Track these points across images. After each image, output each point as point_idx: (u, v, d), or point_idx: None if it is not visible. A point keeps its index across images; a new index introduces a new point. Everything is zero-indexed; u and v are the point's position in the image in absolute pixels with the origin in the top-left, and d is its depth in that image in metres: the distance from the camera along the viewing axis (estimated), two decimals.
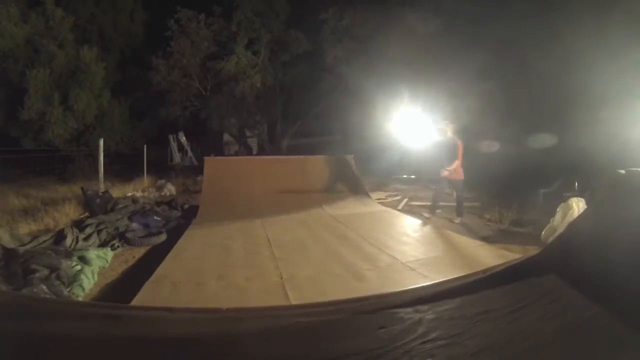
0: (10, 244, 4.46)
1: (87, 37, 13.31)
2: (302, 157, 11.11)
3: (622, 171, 1.33)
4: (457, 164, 6.83)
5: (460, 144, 6.87)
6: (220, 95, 14.53)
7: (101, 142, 8.91)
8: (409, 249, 5.14)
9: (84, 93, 10.97)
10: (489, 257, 4.76)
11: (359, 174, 9.94)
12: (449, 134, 7.02)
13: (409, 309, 1.15)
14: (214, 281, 3.98)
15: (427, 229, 6.37)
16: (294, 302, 3.40)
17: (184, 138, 15.11)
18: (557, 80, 9.37)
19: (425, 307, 1.16)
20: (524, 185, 8.52)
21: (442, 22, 11.09)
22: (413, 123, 11.37)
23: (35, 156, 8.99)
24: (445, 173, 6.90)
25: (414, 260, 4.58)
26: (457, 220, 6.90)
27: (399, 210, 8.27)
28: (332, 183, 9.40)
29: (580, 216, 1.58)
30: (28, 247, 4.52)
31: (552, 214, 5.65)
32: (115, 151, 13.08)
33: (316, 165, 9.72)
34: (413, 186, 11.11)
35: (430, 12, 11.38)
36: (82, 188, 7.53)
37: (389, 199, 9.60)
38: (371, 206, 8.45)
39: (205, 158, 10.21)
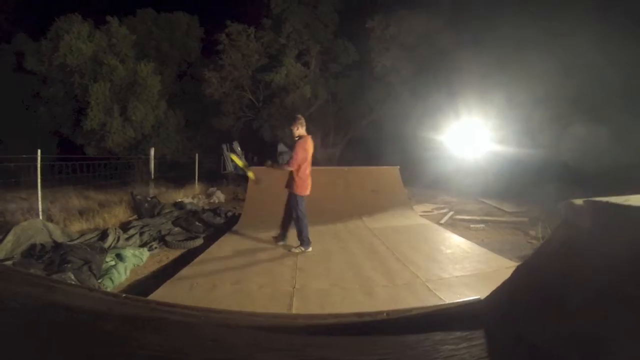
0: (60, 238, 5.00)
1: (145, 53, 14.24)
2: (345, 168, 11.06)
3: (579, 201, 1.02)
4: (286, 168, 5.38)
5: (300, 143, 5.23)
6: (272, 106, 14.88)
7: (152, 151, 9.55)
8: (435, 266, 4.93)
9: (141, 105, 11.84)
10: None
11: (403, 185, 9.77)
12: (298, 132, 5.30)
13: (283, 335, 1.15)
14: (229, 285, 4.16)
15: (462, 245, 6.02)
16: (295, 311, 3.46)
17: (238, 148, 15.71)
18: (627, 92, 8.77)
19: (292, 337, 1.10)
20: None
21: (492, 28, 10.69)
22: (464, 133, 11.16)
23: (99, 162, 9.78)
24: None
25: (436, 280, 4.42)
26: (297, 250, 5.47)
27: (440, 224, 8.03)
28: (376, 194, 9.12)
29: (530, 258, 1.21)
30: (75, 242, 5.00)
31: None
32: (171, 159, 13.88)
33: (360, 176, 9.47)
34: (462, 198, 10.78)
35: (479, 19, 11.06)
36: (131, 193, 8.11)
37: (435, 212, 9.37)
38: (412, 219, 8.20)
39: (251, 168, 10.48)
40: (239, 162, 5.83)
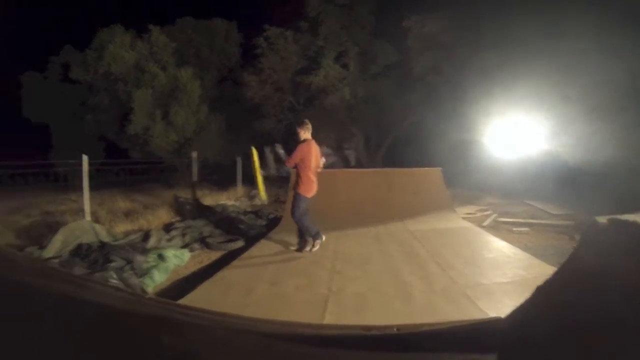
0: (105, 238, 5.25)
1: (185, 59, 14.60)
2: (388, 170, 10.95)
3: (604, 219, 0.91)
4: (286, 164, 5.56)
5: (302, 145, 5.35)
6: (312, 108, 14.92)
7: (194, 155, 9.82)
8: (475, 271, 4.74)
9: (182, 109, 12.20)
10: None
11: (446, 186, 9.56)
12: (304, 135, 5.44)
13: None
14: (265, 287, 4.19)
15: (504, 249, 5.80)
16: (328, 316, 3.47)
17: (282, 150, 15.85)
18: None
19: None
20: (626, 203, 7.27)
21: (539, 18, 10.15)
22: (509, 133, 10.79)
23: (144, 166, 10.17)
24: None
25: (474, 286, 4.23)
26: (309, 248, 5.62)
27: (483, 226, 7.78)
28: (418, 196, 8.95)
29: (552, 277, 1.11)
30: (119, 242, 5.21)
31: None
32: (213, 162, 14.22)
33: (402, 178, 9.26)
34: (506, 200, 10.42)
35: (522, 12, 10.57)
36: (174, 195, 8.37)
37: (478, 214, 9.12)
38: (454, 222, 7.98)
39: (292, 170, 10.56)
40: (257, 167, 5.91)
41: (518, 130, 10.49)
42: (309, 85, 13.98)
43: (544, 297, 1.03)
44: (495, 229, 7.53)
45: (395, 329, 1.14)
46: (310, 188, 5.51)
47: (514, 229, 7.35)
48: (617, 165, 8.28)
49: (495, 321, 1.17)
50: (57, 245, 4.38)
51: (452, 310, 3.60)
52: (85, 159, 6.46)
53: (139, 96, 11.66)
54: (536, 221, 7.84)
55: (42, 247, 4.36)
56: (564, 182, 9.69)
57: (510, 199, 10.43)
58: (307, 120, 5.50)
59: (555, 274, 1.08)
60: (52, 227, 5.42)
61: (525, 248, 5.90)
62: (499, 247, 5.87)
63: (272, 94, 14.81)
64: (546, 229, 7.27)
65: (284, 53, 14.22)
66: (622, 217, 0.92)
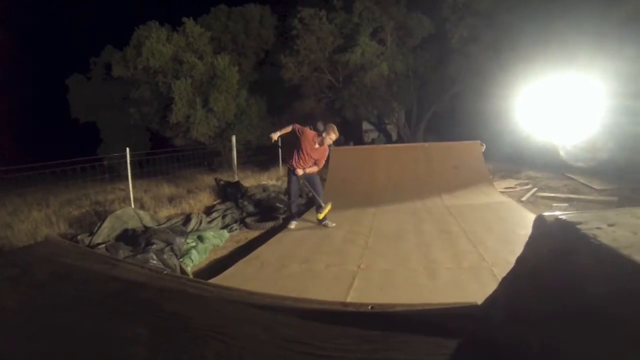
0: (149, 223, 5.61)
1: (222, 47, 14.91)
2: (426, 144, 10.80)
3: (550, 215, 0.92)
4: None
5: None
6: (352, 85, 14.78)
7: (233, 138, 10.14)
8: (505, 249, 4.66)
9: (221, 96, 12.49)
10: None
11: (486, 160, 9.31)
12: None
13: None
14: (297, 265, 4.42)
15: None
16: (352, 292, 3.61)
17: (322, 128, 15.88)
18: None
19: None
20: None
21: None
22: (552, 102, 10.34)
23: (183, 153, 10.60)
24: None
25: (503, 264, 4.12)
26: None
27: (522, 201, 7.67)
28: (456, 171, 8.84)
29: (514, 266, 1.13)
30: (163, 226, 5.57)
31: None
32: (256, 144, 14.57)
33: (441, 153, 9.20)
34: (547, 174, 10.05)
35: None
36: (215, 179, 8.70)
37: (518, 188, 8.93)
38: (491, 197, 7.85)
39: (332, 148, 10.62)
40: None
41: (563, 98, 10.01)
42: (347, 63, 13.85)
43: (505, 288, 1.10)
44: (534, 204, 7.42)
45: (370, 307, 1.25)
46: (297, 163, 6.03)
47: (554, 204, 7.20)
48: None
49: (470, 307, 1.19)
50: (105, 232, 4.77)
51: (476, 287, 3.65)
52: (127, 151, 6.86)
53: (178, 86, 12.05)
54: (577, 196, 7.61)
55: (92, 234, 4.74)
56: (610, 155, 9.15)
57: (552, 172, 10.05)
58: (333, 126, 6.00)
59: (513, 267, 1.12)
60: (101, 215, 5.86)
61: None
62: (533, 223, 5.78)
63: (310, 74, 14.80)
64: (587, 205, 7.05)
65: (319, 33, 14.13)
66: (549, 214, 0.95)
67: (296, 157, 6.01)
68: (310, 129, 13.02)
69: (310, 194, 8.55)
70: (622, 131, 8.46)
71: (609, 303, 0.68)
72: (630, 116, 8.20)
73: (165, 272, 1.54)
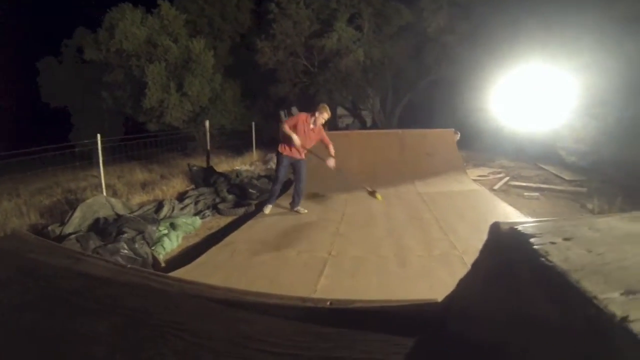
0: (121, 211, 5.57)
1: (198, 30, 14.68)
2: (400, 131, 10.86)
3: (505, 223, 0.89)
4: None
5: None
6: (327, 70, 14.77)
7: (207, 123, 10.07)
8: (476, 237, 4.38)
9: (196, 80, 12.36)
10: None
11: (459, 148, 9.39)
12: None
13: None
14: (269, 251, 4.46)
15: (510, 215, 5.79)
16: (323, 279, 3.69)
17: (296, 113, 15.89)
18: None
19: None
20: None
21: None
22: (525, 94, 10.55)
23: (161, 138, 10.44)
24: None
25: (473, 252, 4.25)
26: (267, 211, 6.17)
27: (494, 189, 7.85)
28: (430, 158, 8.87)
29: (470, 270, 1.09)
30: (135, 214, 5.53)
31: None
32: (230, 129, 14.46)
33: (415, 140, 9.16)
34: (520, 163, 10.31)
35: None
36: (188, 164, 8.63)
37: (491, 177, 9.12)
38: (464, 184, 7.97)
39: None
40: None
41: (537, 90, 10.23)
42: (323, 48, 13.83)
43: (461, 289, 1.11)
44: (506, 193, 7.63)
45: (328, 303, 1.28)
46: (289, 148, 5.91)
47: (525, 193, 7.41)
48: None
49: (429, 304, 1.20)
50: (76, 222, 4.73)
51: (446, 275, 3.72)
52: (99, 137, 6.73)
53: (152, 70, 11.89)
54: (548, 186, 7.84)
55: (63, 224, 4.70)
56: (580, 148, 9.42)
57: (525, 162, 10.34)
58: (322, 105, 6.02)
59: (470, 270, 1.09)
60: (73, 204, 5.79)
61: (532, 214, 5.99)
62: (505, 213, 5.90)
63: (286, 59, 14.74)
64: (557, 195, 7.31)
65: (296, 17, 14.04)
66: (505, 222, 0.91)
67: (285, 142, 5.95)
68: (285, 114, 13.02)
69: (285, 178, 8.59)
70: (593, 123, 8.70)
71: (553, 333, 0.67)
72: (600, 107, 8.44)
73: (128, 266, 1.56)
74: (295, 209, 6.10)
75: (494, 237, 0.91)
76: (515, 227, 0.83)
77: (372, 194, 6.14)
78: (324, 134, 6.11)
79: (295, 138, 5.60)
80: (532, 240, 0.75)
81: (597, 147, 8.88)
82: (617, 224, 0.83)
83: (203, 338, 1.07)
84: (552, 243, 0.73)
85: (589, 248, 0.71)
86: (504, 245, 0.85)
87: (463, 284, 1.08)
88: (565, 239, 0.74)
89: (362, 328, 1.09)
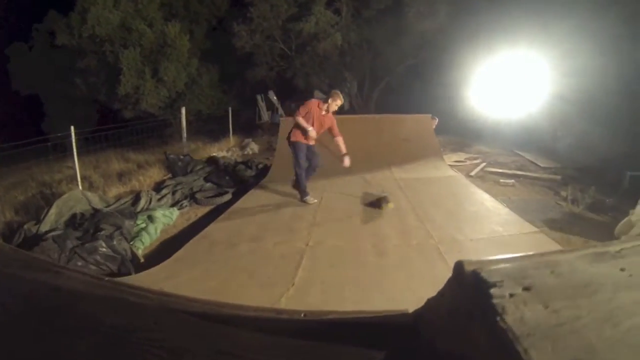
0: (98, 205, 5.51)
1: (173, 13, 14.25)
2: (377, 116, 10.92)
3: (469, 263, 0.82)
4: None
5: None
6: (304, 54, 14.72)
7: (183, 110, 9.96)
8: (452, 226, 4.88)
9: (172, 65, 12.14)
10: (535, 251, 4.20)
11: (437, 134, 9.39)
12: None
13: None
14: (247, 243, 4.51)
15: (486, 202, 5.89)
16: (301, 272, 3.75)
17: (274, 97, 15.79)
18: None
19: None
20: (617, 162, 7.26)
21: None
22: (505, 80, 10.67)
23: (137, 126, 10.25)
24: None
25: (449, 242, 4.39)
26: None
27: (471, 176, 7.99)
28: (407, 144, 8.89)
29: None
30: (112, 207, 5.48)
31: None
32: (207, 114, 14.28)
33: (392, 125, 9.16)
34: (497, 149, 10.50)
35: None
36: (165, 153, 8.53)
37: (468, 162, 9.28)
38: (441, 171, 8.13)
39: (282, 118, 10.27)
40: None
41: (516, 76, 10.35)
42: (300, 32, 13.68)
43: (427, 310, 1.12)
44: (483, 179, 7.77)
45: (302, 315, 1.31)
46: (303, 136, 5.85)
47: (501, 180, 7.55)
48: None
49: (401, 315, 1.14)
50: (52, 218, 4.67)
51: (423, 265, 3.88)
52: (72, 130, 6.58)
53: (126, 56, 11.62)
54: (523, 173, 8.01)
55: (39, 221, 4.62)
56: (557, 134, 9.62)
57: (502, 148, 10.54)
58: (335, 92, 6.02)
59: (437, 296, 1.03)
60: (49, 199, 5.71)
61: (508, 201, 6.11)
62: (481, 200, 6.03)
63: (263, 43, 14.56)
64: (532, 182, 7.47)
65: (273, 1, 13.82)
66: (469, 260, 0.82)
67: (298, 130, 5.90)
68: (262, 98, 12.80)
69: (262, 165, 8.55)
70: (568, 110, 8.86)
71: None
72: (577, 94, 8.54)
73: (106, 279, 1.58)
74: (305, 199, 6.09)
75: (457, 278, 0.84)
76: (478, 271, 0.77)
77: (381, 203, 5.79)
78: (335, 123, 6.07)
79: (311, 130, 5.64)
80: (492, 291, 0.70)
81: (572, 134, 9.11)
82: (580, 265, 0.78)
83: (181, 355, 1.10)
84: (511, 295, 0.69)
85: (546, 302, 0.68)
86: (465, 294, 0.81)
87: (431, 305, 1.03)
88: (525, 289, 0.71)
89: (335, 340, 1.08)
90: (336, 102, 5.88)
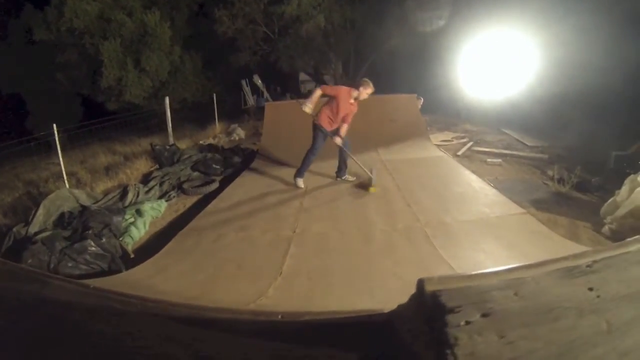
0: (86, 202, 5.51)
1: (153, 1, 13.90)
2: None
3: (430, 281, 0.78)
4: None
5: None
6: (288, 37, 14.60)
7: (167, 100, 9.86)
8: (439, 208, 4.90)
9: (154, 54, 12.05)
10: (521, 234, 4.19)
11: (423, 114, 9.36)
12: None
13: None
14: (234, 233, 4.55)
15: (473, 183, 5.88)
16: (289, 259, 3.81)
17: (259, 81, 15.68)
18: None
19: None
20: (603, 141, 7.21)
21: None
22: (488, 61, 10.68)
23: (121, 118, 10.16)
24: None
25: (436, 224, 4.41)
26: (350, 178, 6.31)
27: (458, 155, 7.99)
28: (393, 124, 8.87)
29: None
30: (100, 203, 5.50)
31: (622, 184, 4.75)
32: (192, 101, 14.16)
33: (377, 105, 8.86)
34: (483, 128, 10.50)
35: None
36: (151, 144, 8.48)
37: (454, 142, 9.28)
38: (428, 151, 8.11)
39: (266, 103, 10.23)
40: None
41: (501, 55, 10.35)
42: (282, 15, 13.52)
43: (397, 315, 1.12)
44: (470, 159, 7.77)
45: (279, 316, 1.35)
46: (325, 120, 5.80)
47: (488, 160, 7.56)
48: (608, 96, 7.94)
49: (377, 315, 1.13)
50: (40, 219, 4.66)
51: (409, 250, 3.92)
52: (55, 128, 6.53)
53: (107, 48, 11.49)
54: (510, 152, 8.01)
55: (27, 223, 4.61)
56: (544, 112, 9.64)
57: (488, 127, 10.52)
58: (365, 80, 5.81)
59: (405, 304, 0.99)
60: (36, 199, 5.69)
61: (495, 182, 6.13)
62: (468, 181, 6.03)
63: (245, 27, 14.37)
64: (519, 162, 7.46)
65: None
66: (430, 278, 0.80)
67: (329, 115, 5.76)
68: (246, 83, 12.60)
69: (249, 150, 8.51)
70: (554, 89, 8.85)
71: None
72: (562, 73, 8.50)
73: (92, 286, 1.63)
74: (344, 177, 6.23)
75: (418, 297, 0.82)
76: (437, 294, 0.73)
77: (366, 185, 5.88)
78: (354, 112, 5.89)
79: (308, 106, 5.49)
80: (448, 318, 0.68)
81: (558, 112, 9.15)
82: (546, 284, 0.76)
83: None
84: (467, 323, 0.66)
85: (503, 332, 0.65)
86: (423, 314, 0.78)
87: (399, 313, 1.01)
88: (484, 315, 0.67)
89: (311, 342, 1.11)
90: (367, 91, 5.70)
